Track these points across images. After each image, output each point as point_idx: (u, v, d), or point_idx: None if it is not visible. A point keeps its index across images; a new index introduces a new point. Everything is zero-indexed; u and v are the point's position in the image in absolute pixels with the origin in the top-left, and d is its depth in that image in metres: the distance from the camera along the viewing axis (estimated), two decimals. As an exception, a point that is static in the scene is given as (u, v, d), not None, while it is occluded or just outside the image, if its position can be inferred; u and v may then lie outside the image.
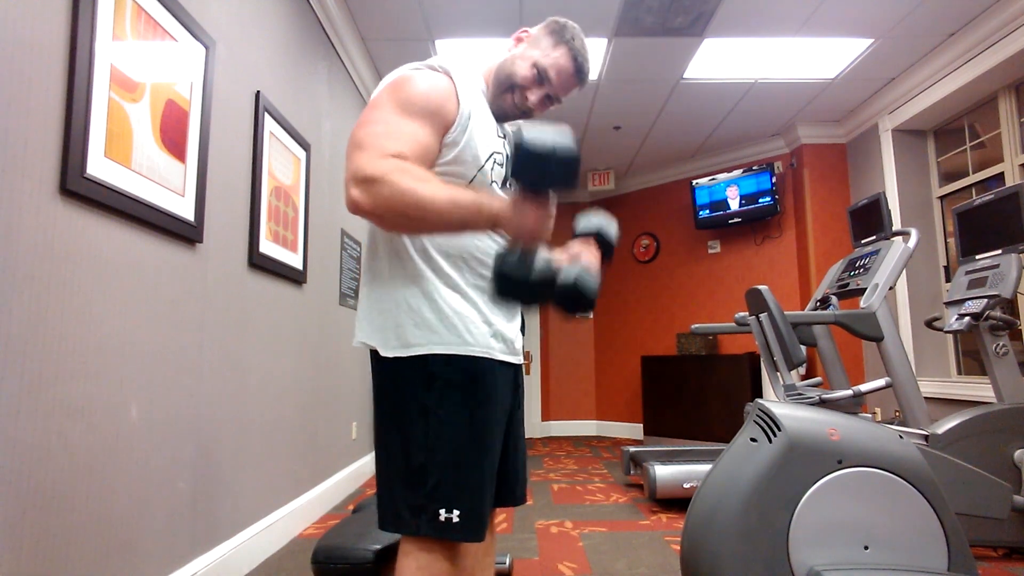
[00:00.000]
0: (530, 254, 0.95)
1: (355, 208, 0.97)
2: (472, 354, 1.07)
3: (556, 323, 6.56)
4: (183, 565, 1.81)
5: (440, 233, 1.05)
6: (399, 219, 0.97)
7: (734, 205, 5.25)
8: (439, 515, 1.02)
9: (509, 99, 1.18)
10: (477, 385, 1.07)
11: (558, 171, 0.93)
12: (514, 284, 0.95)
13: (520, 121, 1.12)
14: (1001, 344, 2.41)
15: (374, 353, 1.10)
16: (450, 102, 1.07)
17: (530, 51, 1.18)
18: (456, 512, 1.02)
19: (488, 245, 1.12)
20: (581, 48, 1.19)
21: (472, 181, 1.10)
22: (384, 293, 1.10)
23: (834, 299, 2.92)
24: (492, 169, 1.13)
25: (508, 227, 0.96)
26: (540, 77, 1.17)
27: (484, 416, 1.07)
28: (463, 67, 1.15)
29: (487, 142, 1.12)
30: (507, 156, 1.17)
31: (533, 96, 1.17)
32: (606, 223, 1.17)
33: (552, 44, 1.18)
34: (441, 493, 1.02)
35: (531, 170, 0.93)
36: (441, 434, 1.04)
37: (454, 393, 1.05)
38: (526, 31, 1.22)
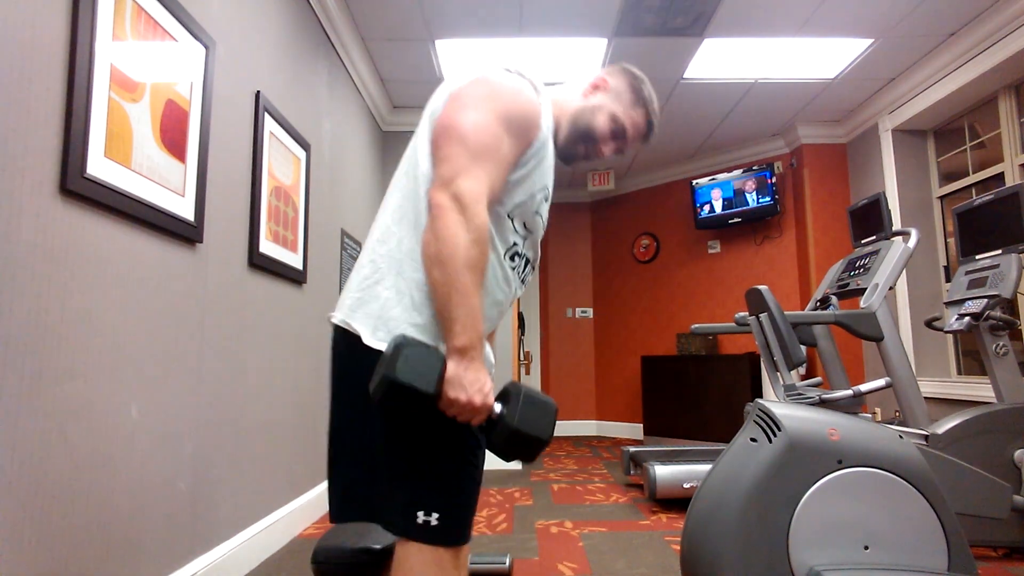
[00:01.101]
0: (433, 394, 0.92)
1: (437, 210, 0.96)
2: None
3: (556, 323, 6.56)
4: (183, 565, 1.81)
5: (435, 291, 0.99)
6: (440, 249, 0.95)
7: (734, 205, 5.25)
8: (417, 518, 1.00)
9: (582, 149, 1.20)
10: None
11: (526, 453, 0.98)
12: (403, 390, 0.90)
13: (516, 387, 1.01)
14: (1001, 344, 2.41)
15: (352, 339, 1.05)
16: (535, 127, 1.08)
17: (611, 104, 1.19)
18: (435, 516, 1.00)
19: (504, 279, 1.11)
20: (656, 111, 1.22)
21: (519, 205, 1.09)
22: (391, 285, 1.06)
23: (834, 299, 2.92)
24: (541, 202, 1.14)
25: (460, 369, 0.94)
26: (617, 133, 1.19)
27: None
28: (543, 90, 1.15)
29: (545, 178, 1.13)
30: (550, 193, 1.17)
31: (607, 149, 1.21)
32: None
33: (632, 102, 1.20)
34: (420, 496, 1.01)
35: (505, 443, 0.97)
36: (417, 435, 1.02)
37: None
38: (604, 80, 1.22)
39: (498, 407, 0.98)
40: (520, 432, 0.96)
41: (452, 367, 0.95)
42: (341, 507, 1.10)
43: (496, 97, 1.06)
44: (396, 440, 1.03)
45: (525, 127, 1.07)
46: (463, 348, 0.95)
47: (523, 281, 1.19)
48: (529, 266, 1.20)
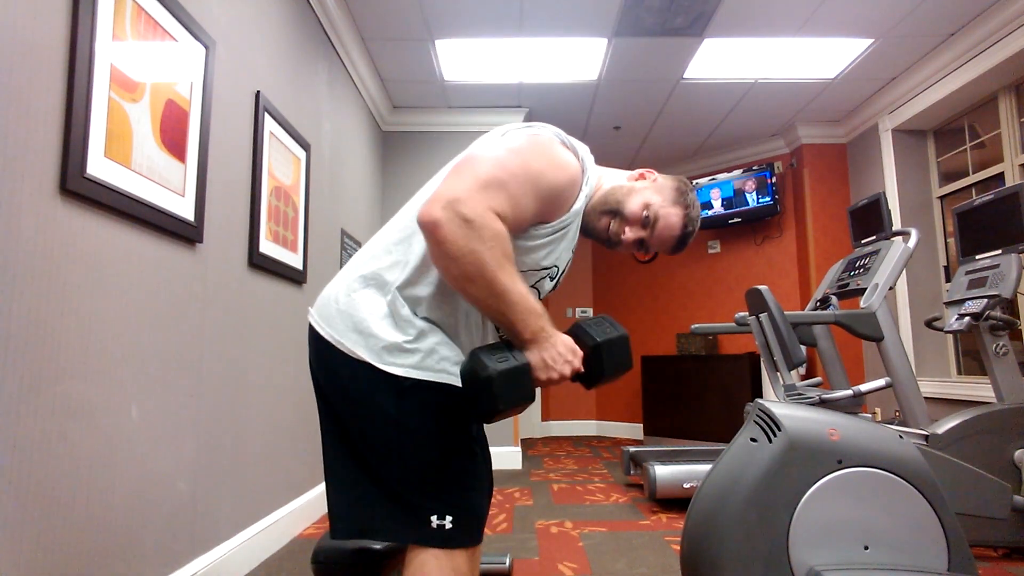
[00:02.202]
0: (524, 372, 0.97)
1: (431, 227, 0.93)
2: (447, 382, 1.04)
3: (556, 323, 6.52)
4: (183, 565, 1.81)
5: (480, 305, 0.99)
6: (463, 268, 0.93)
7: (734, 205, 5.24)
8: (430, 522, 1.00)
9: (606, 223, 1.16)
10: (451, 398, 1.05)
11: (619, 359, 1.04)
12: (495, 391, 0.94)
13: (582, 322, 1.06)
14: (1001, 344, 2.41)
15: (337, 352, 1.04)
16: (566, 205, 1.07)
17: (650, 194, 1.16)
18: (449, 519, 1.00)
19: (477, 325, 1.11)
20: (694, 220, 1.19)
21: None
22: (377, 302, 1.05)
23: (834, 299, 2.92)
24: (543, 279, 1.12)
25: (541, 353, 0.98)
26: (647, 221, 1.15)
27: (460, 420, 1.06)
28: (591, 169, 1.13)
29: (555, 258, 1.11)
30: (560, 271, 1.17)
31: (631, 234, 1.16)
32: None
33: (672, 200, 1.17)
34: (432, 500, 1.01)
35: (603, 361, 1.02)
36: (420, 440, 1.02)
37: (428, 401, 1.03)
38: (652, 172, 1.20)
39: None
40: (608, 342, 1.02)
41: (533, 357, 0.98)
42: (339, 522, 1.07)
43: (535, 154, 1.04)
44: (392, 451, 1.02)
45: (556, 201, 1.05)
46: (531, 339, 0.98)
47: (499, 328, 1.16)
48: None
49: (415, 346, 1.02)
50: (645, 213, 1.14)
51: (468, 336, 1.10)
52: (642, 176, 1.19)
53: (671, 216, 1.16)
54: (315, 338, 1.09)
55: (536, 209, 1.03)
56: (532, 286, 1.11)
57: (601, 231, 1.17)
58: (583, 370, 1.02)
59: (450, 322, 1.07)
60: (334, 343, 1.04)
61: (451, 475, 1.03)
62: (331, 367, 1.06)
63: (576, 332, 1.06)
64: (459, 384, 1.05)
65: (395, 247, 1.08)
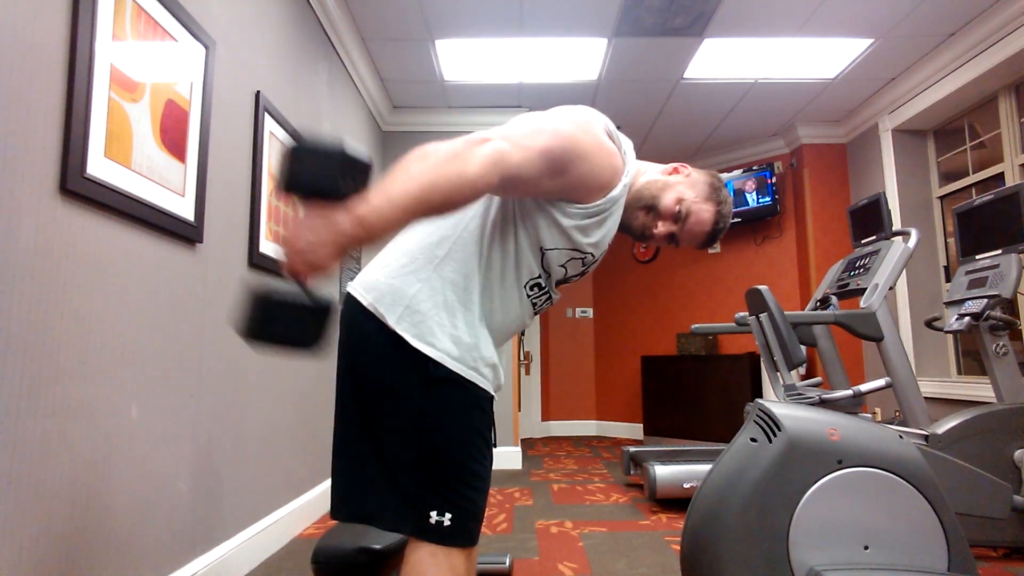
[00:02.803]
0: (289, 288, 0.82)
1: (476, 144, 0.93)
2: (476, 382, 1.06)
3: (556, 323, 6.56)
4: (183, 565, 1.81)
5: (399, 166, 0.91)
6: (432, 149, 0.90)
7: (734, 205, 5.25)
8: (430, 518, 1.00)
9: (641, 217, 1.17)
10: (476, 399, 1.06)
11: (345, 170, 0.82)
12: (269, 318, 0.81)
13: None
14: (1001, 344, 2.41)
15: (377, 324, 1.02)
16: (604, 190, 1.07)
17: (684, 188, 1.17)
18: (448, 516, 1.00)
19: (518, 301, 1.12)
20: (726, 216, 1.20)
21: (559, 251, 1.10)
22: (426, 279, 1.05)
23: (834, 299, 2.92)
24: (575, 259, 1.13)
25: (317, 222, 0.83)
26: (678, 216, 1.16)
27: (480, 422, 1.06)
28: (631, 162, 1.14)
29: (601, 240, 1.12)
30: (588, 264, 1.16)
31: (663, 228, 1.17)
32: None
33: (705, 196, 1.18)
34: (433, 495, 1.01)
35: (310, 169, 0.81)
36: (429, 432, 1.02)
37: (453, 396, 1.03)
38: (687, 167, 1.21)
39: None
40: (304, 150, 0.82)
41: (328, 213, 0.83)
42: (341, 504, 1.08)
43: (587, 134, 1.05)
44: (408, 438, 1.02)
45: (588, 182, 1.05)
46: (361, 214, 0.83)
47: (536, 312, 1.18)
48: (548, 300, 1.19)
49: (458, 335, 1.03)
50: (678, 208, 1.16)
51: (504, 315, 1.11)
52: (676, 171, 1.20)
53: (703, 212, 1.18)
54: (352, 309, 1.08)
55: (573, 182, 1.04)
56: (562, 265, 1.12)
57: (637, 226, 1.19)
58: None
59: (498, 318, 1.09)
60: (375, 312, 1.04)
61: (459, 473, 1.03)
62: (364, 339, 1.05)
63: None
64: (484, 385, 1.06)
65: (443, 221, 1.09)
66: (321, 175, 0.82)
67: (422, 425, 1.02)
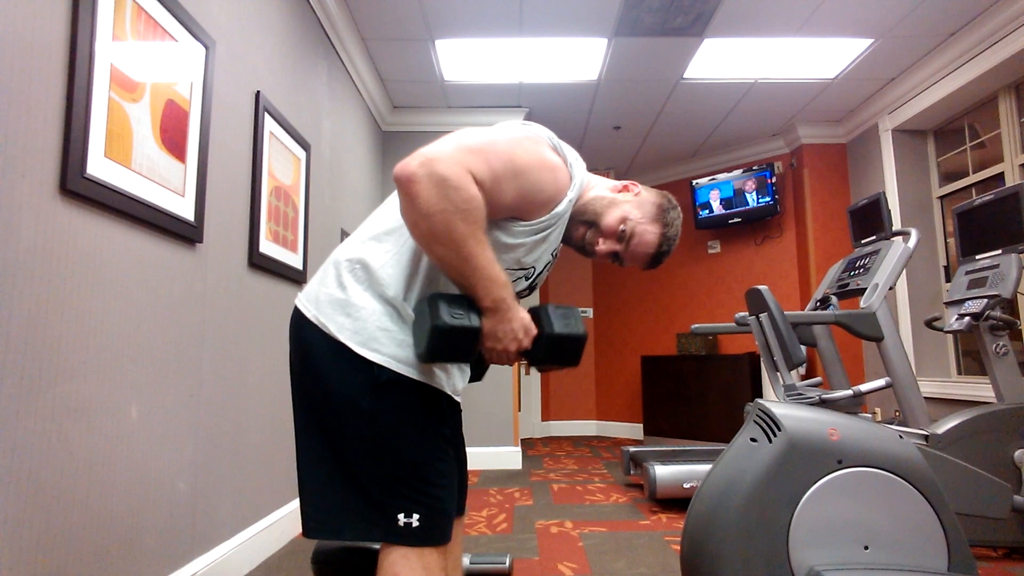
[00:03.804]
0: (474, 334, 0.98)
1: (405, 181, 0.93)
2: (425, 383, 1.05)
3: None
4: (183, 565, 1.81)
5: (445, 266, 0.99)
6: (432, 226, 0.93)
7: (734, 205, 5.25)
8: (397, 520, 0.99)
9: (581, 232, 1.16)
10: (427, 398, 1.05)
11: (571, 353, 1.05)
12: (451, 343, 0.96)
13: (550, 307, 1.06)
14: (1001, 344, 2.41)
15: (320, 334, 1.03)
16: (548, 206, 1.07)
17: (630, 208, 1.16)
18: (416, 516, 1.00)
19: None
20: (672, 239, 1.19)
21: None
22: (372, 297, 1.05)
23: (834, 299, 2.92)
24: (518, 280, 1.13)
25: (495, 323, 0.99)
26: (622, 236, 1.15)
27: (433, 420, 1.06)
28: (579, 176, 1.13)
29: (541, 255, 1.12)
30: (537, 273, 1.17)
31: (603, 246, 1.16)
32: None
33: (652, 217, 1.17)
34: (398, 497, 1.00)
35: (551, 351, 1.04)
36: (387, 435, 1.01)
37: (403, 398, 1.03)
38: (637, 186, 1.20)
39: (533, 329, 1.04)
40: (560, 336, 1.03)
41: (487, 324, 0.99)
42: (311, 521, 1.05)
43: (525, 150, 1.04)
44: (364, 445, 1.02)
45: (532, 198, 1.04)
46: (490, 307, 0.98)
47: None
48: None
49: (401, 338, 1.03)
50: (622, 227, 1.15)
51: None
52: (626, 188, 1.18)
53: (647, 233, 1.17)
54: (297, 321, 1.08)
55: (514, 199, 1.03)
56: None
57: (577, 239, 1.18)
58: (530, 350, 1.04)
59: None
60: (317, 324, 1.04)
61: (419, 473, 1.02)
62: (310, 351, 1.05)
63: (539, 314, 1.06)
64: (437, 385, 1.06)
65: (387, 236, 1.08)
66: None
67: (376, 430, 1.01)
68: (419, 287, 1.05)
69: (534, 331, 1.03)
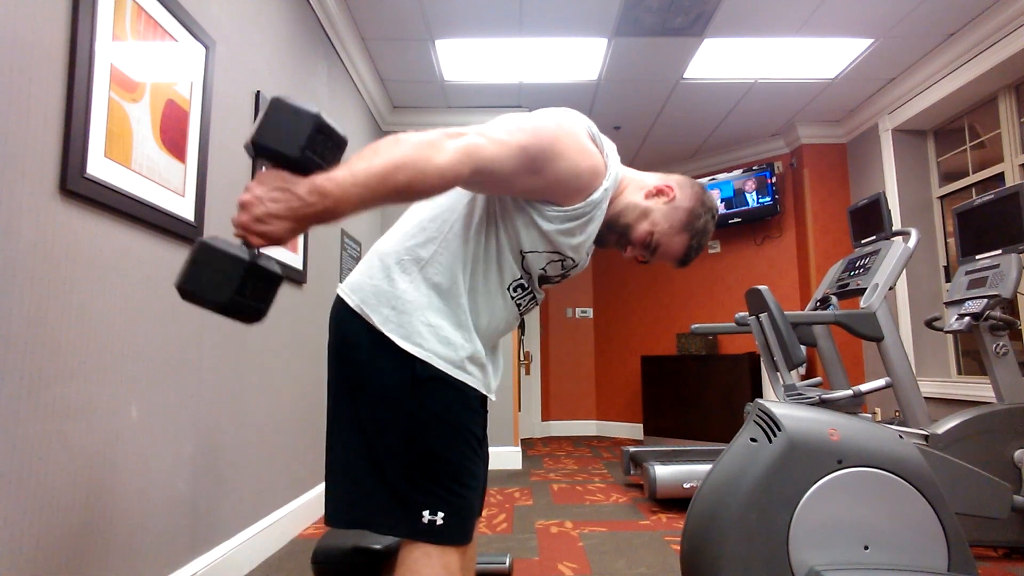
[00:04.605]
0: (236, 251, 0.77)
1: (454, 136, 0.94)
2: (465, 381, 1.06)
3: (556, 323, 6.56)
4: (183, 565, 1.81)
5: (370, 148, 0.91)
6: (404, 138, 0.90)
7: (734, 205, 5.24)
8: (422, 517, 1.00)
9: (613, 239, 1.19)
10: (465, 398, 1.06)
11: (314, 138, 0.80)
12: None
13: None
14: (1001, 344, 2.41)
15: (364, 325, 1.03)
16: (583, 193, 1.06)
17: (659, 218, 1.16)
18: (441, 515, 1.00)
19: (503, 307, 1.13)
20: (698, 248, 1.20)
21: (537, 254, 1.09)
22: (411, 283, 1.05)
23: (834, 299, 2.92)
24: (554, 264, 1.13)
25: (278, 182, 0.82)
26: (648, 246, 1.17)
27: (469, 420, 1.06)
28: (614, 167, 1.12)
29: (581, 245, 1.12)
30: (568, 268, 1.16)
31: (632, 252, 1.20)
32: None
33: (681, 227, 1.17)
34: (424, 494, 1.01)
35: (276, 132, 0.79)
36: (419, 431, 1.02)
37: (442, 395, 1.03)
38: (672, 188, 1.17)
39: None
40: (258, 144, 0.80)
41: (292, 176, 0.82)
42: (336, 511, 1.07)
43: (566, 135, 1.04)
44: (397, 439, 1.02)
45: (567, 183, 1.04)
46: (323, 187, 0.82)
47: (521, 312, 1.18)
48: (533, 300, 1.19)
49: (445, 335, 1.03)
50: (648, 240, 1.17)
51: (489, 317, 1.11)
52: (660, 192, 1.17)
53: (673, 244, 1.18)
54: (340, 311, 1.08)
55: (551, 181, 1.03)
56: (542, 268, 1.12)
57: (610, 243, 1.21)
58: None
59: (484, 317, 1.09)
60: (361, 314, 1.04)
61: (449, 471, 1.03)
62: (351, 340, 1.06)
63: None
64: (475, 385, 1.06)
65: (430, 223, 1.09)
66: (292, 136, 0.79)
67: (411, 425, 1.01)
68: (464, 285, 1.06)
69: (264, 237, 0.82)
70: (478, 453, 1.09)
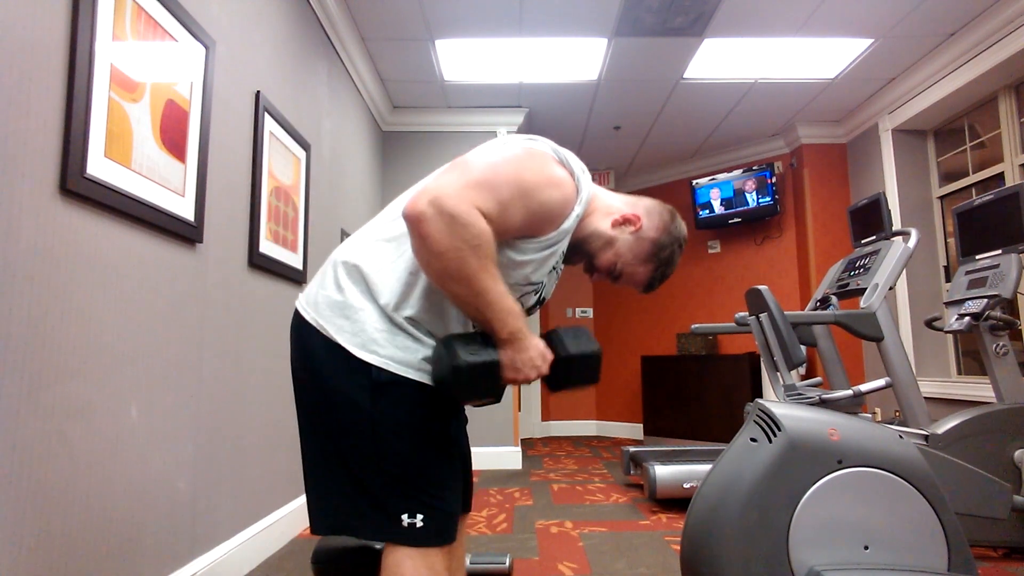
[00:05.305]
0: (493, 365, 0.99)
1: (415, 221, 0.93)
2: (425, 381, 1.05)
3: (556, 323, 6.56)
4: (183, 565, 1.81)
5: (459, 302, 1.00)
6: (445, 265, 0.93)
7: (734, 205, 5.25)
8: (401, 521, 1.00)
9: (579, 260, 1.20)
10: (428, 397, 1.05)
11: (589, 371, 1.09)
12: (471, 379, 0.97)
13: (560, 330, 1.10)
14: (1001, 344, 2.41)
15: (321, 337, 1.04)
16: (556, 222, 1.07)
17: (624, 249, 1.16)
18: (420, 517, 1.01)
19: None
20: (665, 272, 1.21)
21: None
22: (368, 301, 1.05)
23: (834, 299, 2.92)
24: (527, 295, 1.14)
25: (513, 354, 1.00)
26: (612, 272, 1.19)
27: (436, 419, 1.06)
28: (585, 189, 1.11)
29: (539, 274, 1.12)
30: (545, 287, 1.18)
31: (597, 277, 1.22)
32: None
33: (646, 257, 1.18)
34: (402, 498, 1.01)
35: (568, 372, 1.07)
36: (391, 435, 1.02)
37: (403, 398, 1.03)
38: (638, 218, 1.16)
39: (549, 354, 1.06)
40: (575, 356, 1.06)
41: (505, 356, 1.00)
42: (318, 519, 1.07)
43: (532, 168, 1.04)
44: (367, 446, 1.02)
45: (541, 216, 1.04)
46: (507, 339, 1.00)
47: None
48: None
49: (401, 341, 1.03)
50: (611, 268, 1.18)
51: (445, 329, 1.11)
52: (627, 221, 1.16)
53: (638, 273, 1.20)
54: (298, 325, 1.10)
55: (523, 221, 1.03)
56: (517, 300, 1.11)
57: (575, 262, 1.22)
58: (549, 375, 1.06)
59: (438, 324, 1.07)
60: (316, 327, 1.05)
61: (420, 476, 1.03)
62: (310, 354, 1.06)
63: (551, 339, 1.08)
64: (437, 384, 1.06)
65: (387, 244, 1.08)
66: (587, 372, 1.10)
67: (376, 432, 1.01)
68: (415, 300, 1.05)
69: (551, 356, 1.05)
70: (449, 451, 1.08)
